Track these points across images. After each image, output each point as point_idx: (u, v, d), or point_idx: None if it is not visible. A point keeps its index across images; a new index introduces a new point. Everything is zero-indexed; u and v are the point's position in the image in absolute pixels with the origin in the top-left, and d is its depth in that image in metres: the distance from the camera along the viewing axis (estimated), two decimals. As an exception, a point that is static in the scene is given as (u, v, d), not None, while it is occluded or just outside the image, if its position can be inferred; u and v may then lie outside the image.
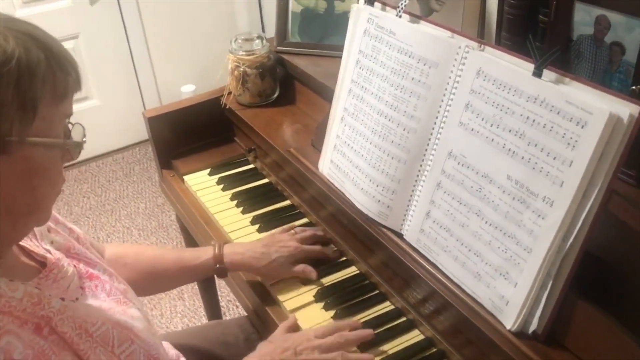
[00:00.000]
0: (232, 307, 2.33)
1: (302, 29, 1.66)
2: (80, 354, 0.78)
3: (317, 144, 1.36)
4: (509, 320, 0.91)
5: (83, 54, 3.12)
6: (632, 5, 0.95)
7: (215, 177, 1.56)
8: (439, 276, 1.03)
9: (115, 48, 3.21)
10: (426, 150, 1.06)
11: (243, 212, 1.43)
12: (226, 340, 1.31)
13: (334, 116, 1.26)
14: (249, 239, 1.33)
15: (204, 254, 1.21)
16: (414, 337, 1.08)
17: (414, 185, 1.09)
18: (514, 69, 0.91)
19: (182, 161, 1.63)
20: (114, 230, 2.82)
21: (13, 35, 0.67)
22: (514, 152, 0.90)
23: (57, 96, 0.71)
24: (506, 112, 0.91)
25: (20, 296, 0.74)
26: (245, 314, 1.35)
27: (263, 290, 1.23)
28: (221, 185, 1.53)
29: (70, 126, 0.77)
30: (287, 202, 1.45)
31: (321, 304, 1.15)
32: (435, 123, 1.04)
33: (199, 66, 3.36)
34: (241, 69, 1.58)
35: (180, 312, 2.34)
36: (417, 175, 1.08)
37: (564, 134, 0.83)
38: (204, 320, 2.18)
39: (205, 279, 1.71)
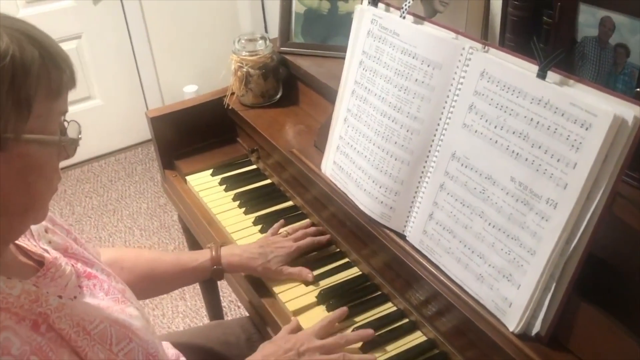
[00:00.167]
0: (234, 307, 2.33)
1: (305, 29, 1.66)
2: (78, 351, 0.78)
3: (319, 145, 1.35)
4: (512, 322, 0.91)
5: (86, 53, 3.13)
6: (637, 6, 0.94)
7: (218, 178, 1.56)
8: (441, 278, 1.02)
9: (118, 48, 3.21)
10: (429, 151, 1.06)
11: (245, 213, 1.43)
12: (228, 340, 1.31)
13: (337, 117, 1.25)
14: (251, 239, 1.33)
15: (201, 256, 1.23)
16: (416, 338, 1.08)
17: (417, 187, 1.08)
18: (518, 70, 0.90)
19: (185, 161, 1.64)
20: (116, 230, 2.82)
21: (7, 33, 0.67)
22: (517, 153, 0.90)
23: (52, 93, 0.72)
24: (510, 114, 0.91)
25: (18, 293, 0.74)
26: (247, 314, 1.35)
27: (265, 291, 1.23)
28: (224, 186, 1.53)
29: (65, 124, 0.77)
30: (290, 203, 1.44)
31: (324, 306, 1.15)
32: (438, 124, 1.04)
33: (201, 66, 3.36)
34: (244, 70, 1.58)
35: (181, 312, 2.34)
36: (420, 177, 1.08)
37: (568, 136, 0.83)
38: (206, 321, 2.18)
39: (208, 280, 1.71)
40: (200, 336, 1.33)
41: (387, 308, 1.14)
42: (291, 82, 1.64)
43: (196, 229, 1.51)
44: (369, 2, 1.17)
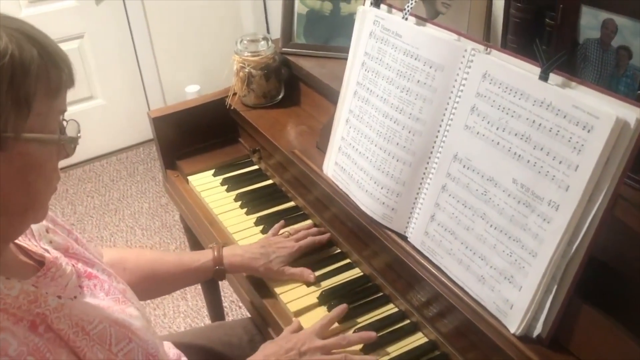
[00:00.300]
0: (235, 307, 2.34)
1: (307, 30, 1.66)
2: (77, 351, 0.78)
3: (321, 146, 1.36)
4: (513, 324, 0.91)
5: (88, 53, 3.13)
6: (639, 9, 0.94)
7: (220, 178, 1.56)
8: (443, 279, 1.02)
9: (120, 48, 3.22)
10: (431, 153, 1.06)
11: (247, 213, 1.43)
12: (230, 341, 1.31)
13: (339, 118, 1.26)
14: (253, 240, 1.33)
15: (203, 256, 1.23)
16: (417, 339, 1.08)
17: (419, 188, 1.08)
18: (520, 72, 0.90)
19: (187, 161, 1.64)
20: (118, 230, 2.82)
21: (6, 33, 0.68)
22: (519, 155, 0.90)
23: (51, 92, 0.72)
24: (512, 116, 0.91)
25: (16, 294, 0.74)
26: (248, 314, 1.35)
27: (266, 291, 1.23)
28: (225, 186, 1.53)
29: (65, 123, 0.77)
30: (292, 204, 1.44)
31: (325, 307, 1.15)
32: (440, 126, 1.04)
33: (203, 67, 3.37)
34: (246, 70, 1.58)
35: (183, 312, 2.35)
36: (422, 178, 1.08)
37: (570, 138, 0.83)
38: (207, 321, 2.18)
39: (209, 280, 1.72)
40: (202, 337, 1.33)
41: (389, 309, 1.14)
42: (293, 83, 1.65)
43: (198, 229, 1.51)
44: (371, 3, 1.17)
